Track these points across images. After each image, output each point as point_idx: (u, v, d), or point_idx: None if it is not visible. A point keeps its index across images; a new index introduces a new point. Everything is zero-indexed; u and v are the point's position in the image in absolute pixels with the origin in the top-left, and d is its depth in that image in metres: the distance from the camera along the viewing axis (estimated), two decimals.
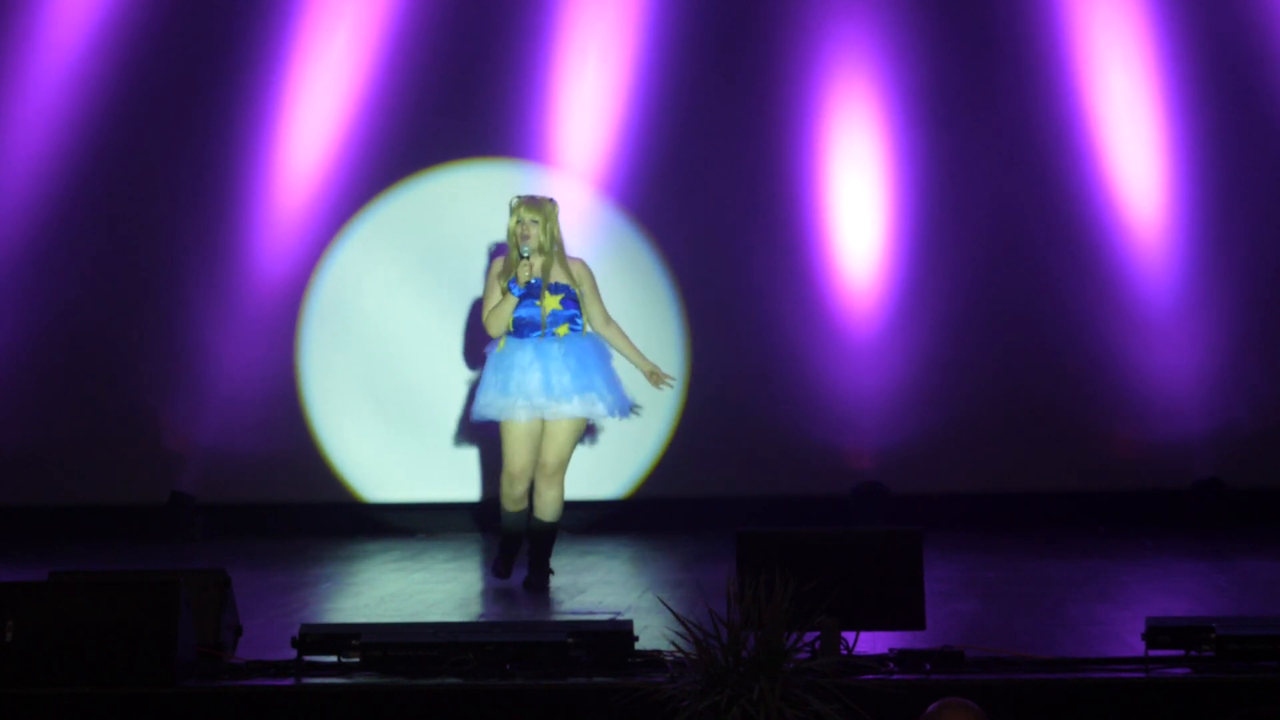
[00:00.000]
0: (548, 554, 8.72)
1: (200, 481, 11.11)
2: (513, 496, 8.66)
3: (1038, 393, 10.91)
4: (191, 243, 11.16)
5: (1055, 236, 10.91)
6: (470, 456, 11.09)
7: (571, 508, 10.77)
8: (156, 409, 11.15)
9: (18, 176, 11.16)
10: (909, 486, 10.82)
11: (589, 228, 10.85)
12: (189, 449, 11.14)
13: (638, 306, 10.87)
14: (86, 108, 11.18)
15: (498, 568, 8.78)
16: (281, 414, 11.11)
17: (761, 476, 10.96)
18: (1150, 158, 10.91)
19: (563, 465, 8.59)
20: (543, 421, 8.55)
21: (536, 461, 8.61)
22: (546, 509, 8.66)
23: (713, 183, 11.06)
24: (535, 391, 8.46)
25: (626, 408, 8.66)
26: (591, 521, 10.97)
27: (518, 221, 8.51)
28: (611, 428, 10.62)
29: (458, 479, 11.12)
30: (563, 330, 8.52)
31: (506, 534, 8.76)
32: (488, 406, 8.57)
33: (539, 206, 8.53)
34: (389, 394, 11.11)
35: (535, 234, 8.48)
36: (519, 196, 8.60)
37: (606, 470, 10.94)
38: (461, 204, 11.09)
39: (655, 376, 8.73)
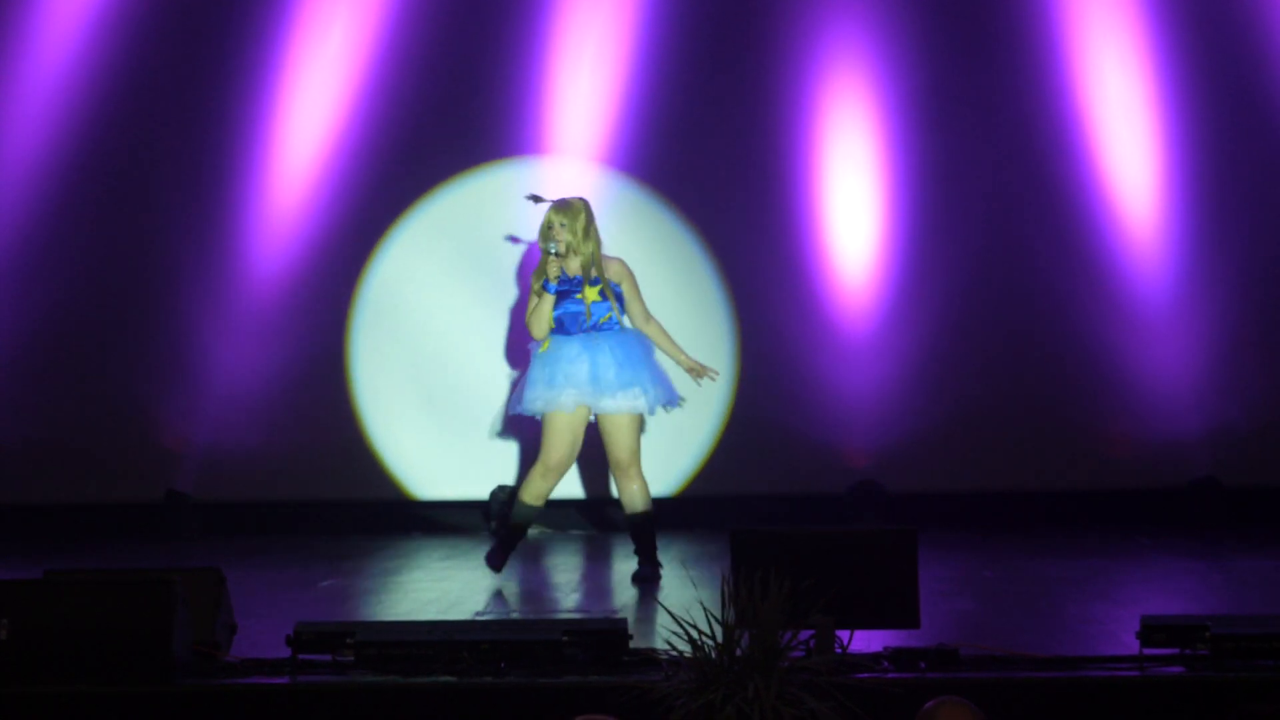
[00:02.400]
0: (650, 545, 8.81)
1: (196, 480, 11.11)
2: (538, 491, 8.75)
3: (1034, 392, 10.91)
4: (187, 241, 11.15)
5: (1051, 236, 10.91)
6: (466, 457, 11.09)
7: (562, 506, 10.82)
8: (152, 407, 11.14)
9: (12, 175, 11.15)
10: (905, 485, 10.82)
11: None
12: (184, 447, 11.14)
13: None
14: (82, 108, 11.16)
15: (492, 558, 8.82)
16: (277, 413, 11.10)
17: (757, 475, 10.96)
18: (1146, 157, 10.91)
19: (635, 458, 8.73)
20: (597, 419, 8.72)
21: (572, 459, 8.80)
22: (633, 503, 8.80)
23: (707, 183, 11.05)
24: (583, 382, 8.63)
25: (673, 400, 8.82)
26: (583, 520, 10.98)
27: (547, 225, 8.68)
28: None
29: (458, 478, 11.11)
30: (605, 318, 8.66)
31: (514, 525, 8.83)
32: (535, 400, 8.73)
33: (566, 208, 8.72)
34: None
35: (564, 236, 8.66)
36: (552, 201, 8.77)
37: (600, 469, 10.94)
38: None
39: (697, 372, 8.89)
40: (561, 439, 8.71)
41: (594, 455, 10.80)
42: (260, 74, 11.14)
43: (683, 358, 8.90)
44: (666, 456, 10.90)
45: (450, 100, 11.11)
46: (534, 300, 8.74)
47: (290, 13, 11.16)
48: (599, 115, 11.08)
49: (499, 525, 8.93)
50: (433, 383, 11.06)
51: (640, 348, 8.76)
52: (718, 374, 9.04)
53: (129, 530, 10.96)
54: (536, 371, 8.74)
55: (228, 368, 11.07)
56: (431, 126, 11.11)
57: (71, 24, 11.19)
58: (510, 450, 11.04)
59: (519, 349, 10.72)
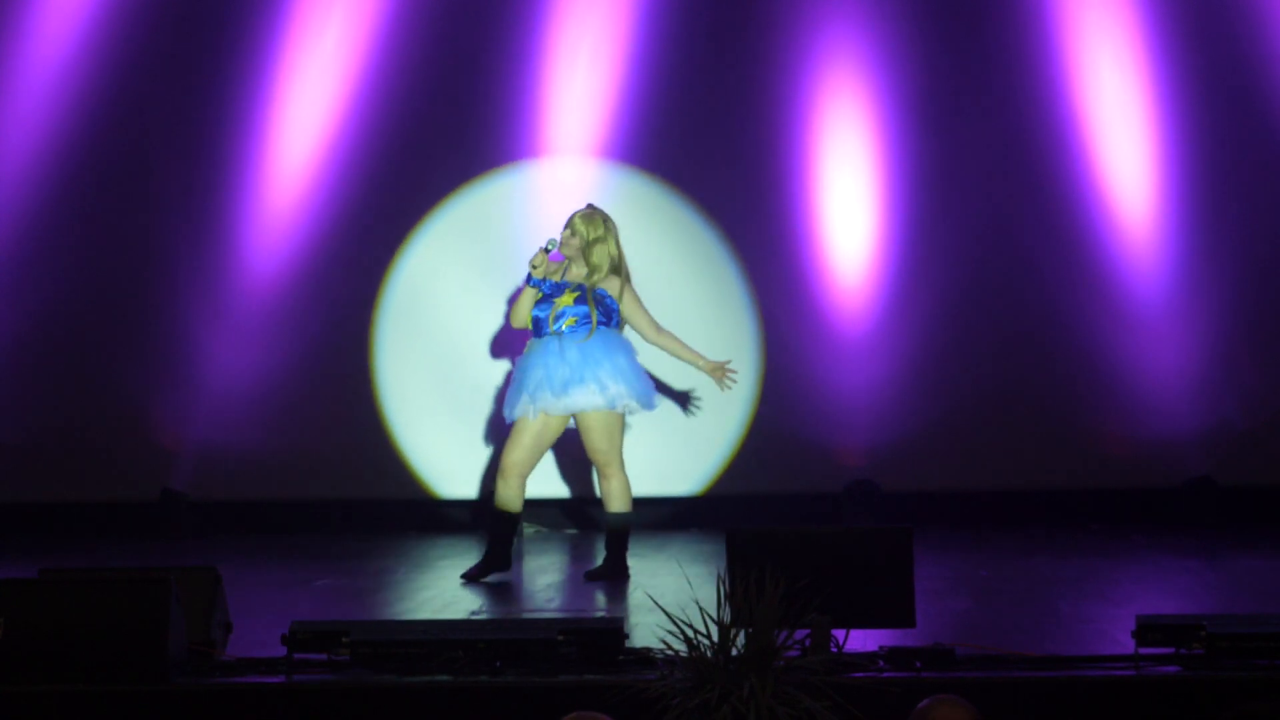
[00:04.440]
0: (617, 548, 8.81)
1: (191, 478, 11.10)
2: (501, 495, 8.74)
3: (1029, 391, 10.92)
4: (183, 240, 11.15)
5: (1046, 235, 10.91)
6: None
7: (558, 505, 10.83)
8: (147, 406, 11.14)
9: (7, 174, 11.14)
10: (900, 484, 10.82)
11: None
12: (179, 446, 11.13)
13: None
14: (77, 106, 11.15)
15: (472, 570, 8.81)
16: (273, 412, 11.09)
17: (753, 474, 10.96)
18: (1141, 156, 10.91)
19: (609, 457, 8.73)
20: (579, 419, 8.71)
21: (531, 461, 8.77)
22: (608, 501, 8.83)
23: (703, 183, 11.05)
24: (532, 389, 8.63)
25: (647, 402, 8.76)
26: (580, 519, 10.98)
27: (569, 224, 8.80)
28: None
29: (456, 478, 11.12)
30: (569, 322, 8.63)
31: (491, 534, 8.82)
32: (511, 406, 8.78)
33: (589, 215, 8.80)
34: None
35: (573, 243, 8.74)
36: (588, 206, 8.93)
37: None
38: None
39: (718, 373, 8.93)
40: (517, 441, 8.71)
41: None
42: (256, 73, 11.13)
43: (701, 362, 8.94)
44: (664, 457, 10.90)
45: (448, 101, 11.11)
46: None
47: (286, 11, 11.16)
48: (596, 117, 11.06)
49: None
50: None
51: (603, 348, 8.69)
52: (736, 372, 9.03)
53: (124, 529, 10.95)
54: (515, 376, 8.80)
55: (224, 366, 11.07)
56: (432, 127, 11.10)
57: (68, 21, 11.18)
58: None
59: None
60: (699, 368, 8.97)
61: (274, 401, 11.09)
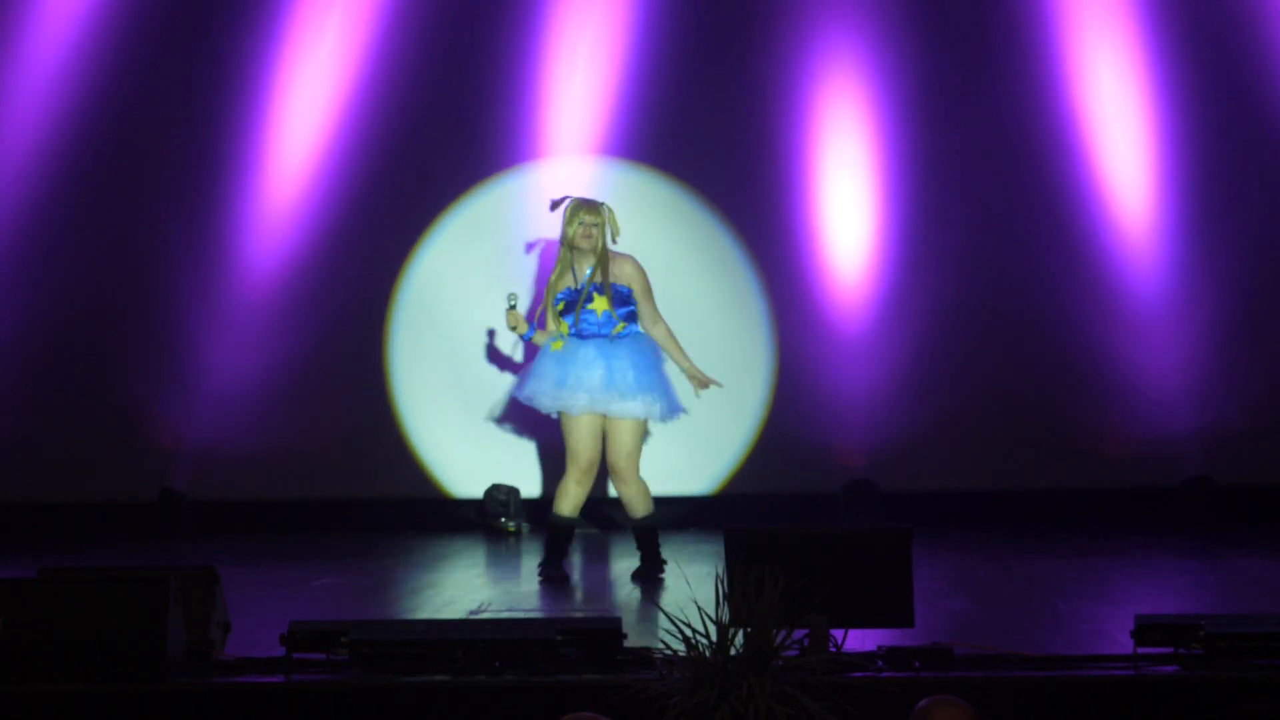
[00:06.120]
0: (652, 545, 8.84)
1: (189, 478, 11.10)
2: (575, 496, 8.75)
3: (1028, 391, 10.92)
4: (182, 239, 11.15)
5: (1045, 235, 10.92)
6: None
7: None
8: (146, 405, 11.14)
9: (6, 174, 11.14)
10: (899, 484, 10.83)
11: None
12: (178, 446, 11.13)
13: None
14: (77, 106, 11.15)
15: (548, 569, 8.80)
16: (273, 411, 11.09)
17: (753, 474, 10.96)
18: (1140, 156, 10.91)
19: (633, 463, 8.74)
20: (604, 422, 8.69)
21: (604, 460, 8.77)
22: (633, 507, 8.83)
23: (700, 185, 11.05)
24: (597, 387, 8.61)
25: (677, 411, 8.80)
26: (597, 518, 10.98)
27: (580, 224, 8.65)
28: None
29: (456, 477, 11.12)
30: (619, 328, 8.66)
31: (557, 534, 8.82)
32: (543, 395, 8.71)
33: (597, 209, 8.72)
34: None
35: (597, 235, 8.67)
36: (574, 199, 8.77)
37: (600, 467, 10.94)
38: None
39: (700, 381, 8.89)
40: (586, 442, 8.69)
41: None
42: (254, 74, 11.13)
43: (687, 364, 8.88)
44: (662, 456, 10.91)
45: (449, 103, 11.11)
46: (550, 318, 8.76)
47: (287, 12, 11.15)
48: (589, 120, 11.07)
49: (549, 538, 8.89)
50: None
51: (653, 355, 8.75)
52: (722, 385, 9.00)
53: (123, 529, 10.95)
54: (546, 367, 8.70)
55: (223, 366, 11.07)
56: (436, 129, 11.11)
57: (66, 22, 11.18)
58: (506, 446, 11.06)
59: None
60: (682, 369, 8.89)
61: (273, 401, 11.10)
